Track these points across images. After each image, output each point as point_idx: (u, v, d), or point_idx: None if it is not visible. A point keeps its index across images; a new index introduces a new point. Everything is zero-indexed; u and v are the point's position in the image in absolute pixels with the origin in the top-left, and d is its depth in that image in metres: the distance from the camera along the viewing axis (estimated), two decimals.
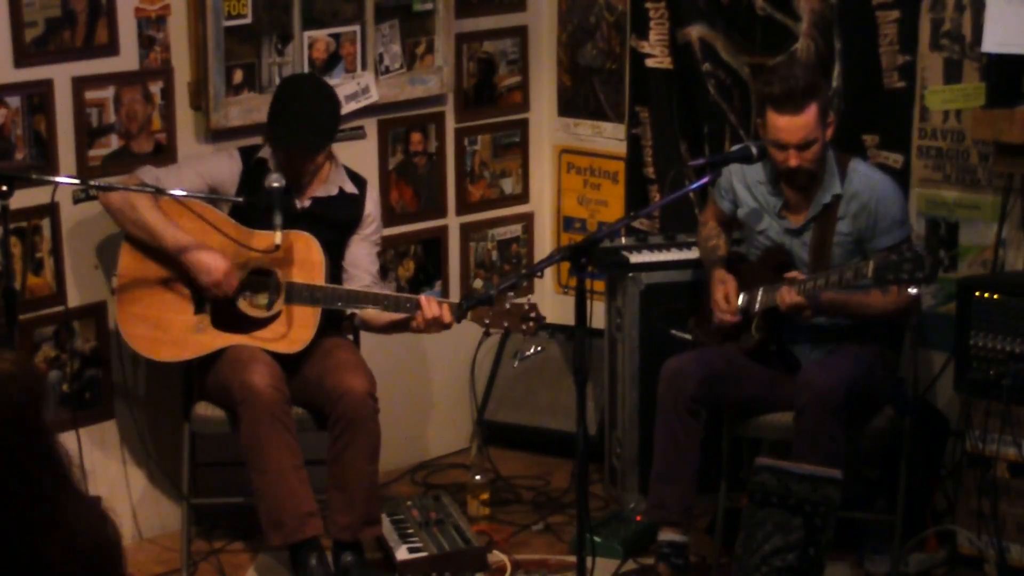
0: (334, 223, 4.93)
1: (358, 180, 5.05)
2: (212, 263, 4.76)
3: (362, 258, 4.98)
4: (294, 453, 4.68)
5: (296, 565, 4.71)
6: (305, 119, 4.86)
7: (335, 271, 4.93)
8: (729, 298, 4.86)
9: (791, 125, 4.64)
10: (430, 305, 4.73)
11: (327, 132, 4.90)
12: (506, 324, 4.67)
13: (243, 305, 4.82)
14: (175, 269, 4.83)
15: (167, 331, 4.84)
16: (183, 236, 4.81)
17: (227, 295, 4.79)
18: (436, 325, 4.75)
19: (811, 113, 4.63)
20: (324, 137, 4.89)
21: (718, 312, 4.87)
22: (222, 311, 4.83)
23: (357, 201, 5.00)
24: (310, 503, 4.70)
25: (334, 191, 4.97)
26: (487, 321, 4.67)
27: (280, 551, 4.86)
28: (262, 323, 4.82)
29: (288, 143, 4.85)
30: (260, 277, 4.83)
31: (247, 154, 4.97)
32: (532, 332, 4.73)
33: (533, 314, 4.67)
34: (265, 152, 4.94)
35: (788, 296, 4.57)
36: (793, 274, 4.61)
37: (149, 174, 4.86)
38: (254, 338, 4.79)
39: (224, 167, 4.94)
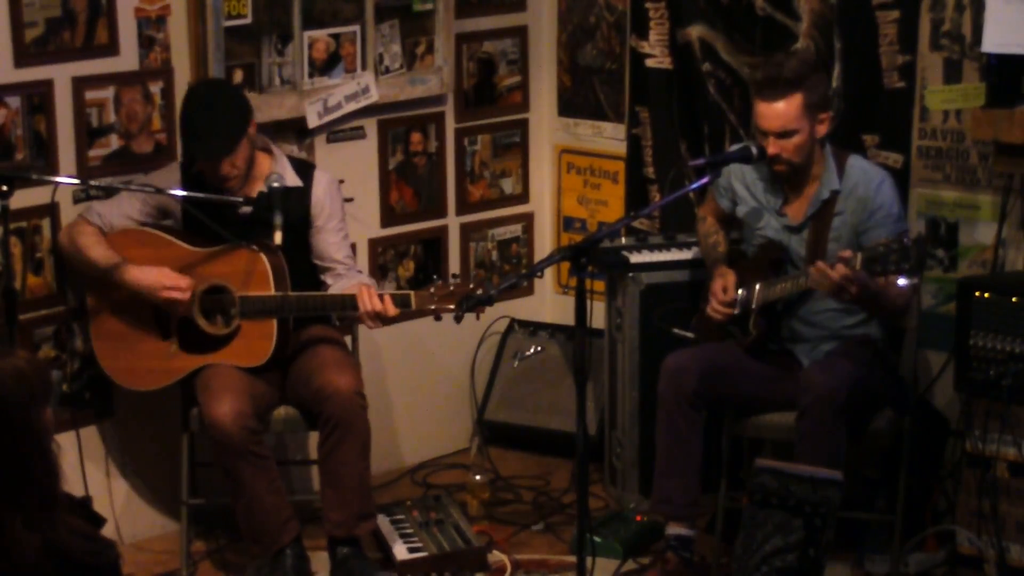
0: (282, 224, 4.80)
1: (304, 169, 4.97)
2: (158, 277, 4.76)
3: (326, 249, 4.92)
4: (266, 473, 4.70)
5: (273, 561, 4.75)
6: (205, 126, 4.74)
7: (306, 268, 4.90)
8: (727, 288, 4.85)
9: (769, 111, 4.65)
10: (371, 299, 4.63)
11: (235, 130, 4.75)
12: (451, 307, 4.56)
13: (204, 324, 4.81)
14: (139, 299, 4.82)
15: (141, 360, 4.88)
16: (119, 261, 4.79)
17: (186, 301, 4.76)
18: (378, 320, 4.65)
19: (792, 103, 4.63)
20: (233, 136, 4.74)
21: (713, 301, 4.87)
22: (189, 334, 4.82)
23: (302, 194, 4.91)
24: (286, 512, 4.75)
25: None
26: (433, 307, 4.60)
27: None
28: (225, 340, 4.81)
29: (193, 153, 4.78)
30: (215, 295, 4.82)
31: (188, 168, 4.90)
32: (482, 310, 4.51)
33: (479, 291, 4.54)
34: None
35: (835, 272, 4.43)
36: (847, 254, 4.50)
37: (92, 213, 4.87)
38: (221, 356, 4.79)
39: (163, 182, 4.87)
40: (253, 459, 4.67)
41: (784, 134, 4.67)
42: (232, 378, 4.73)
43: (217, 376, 4.73)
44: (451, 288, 4.60)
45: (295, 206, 4.88)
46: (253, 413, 4.69)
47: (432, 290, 4.62)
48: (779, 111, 4.65)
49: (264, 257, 4.75)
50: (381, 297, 4.63)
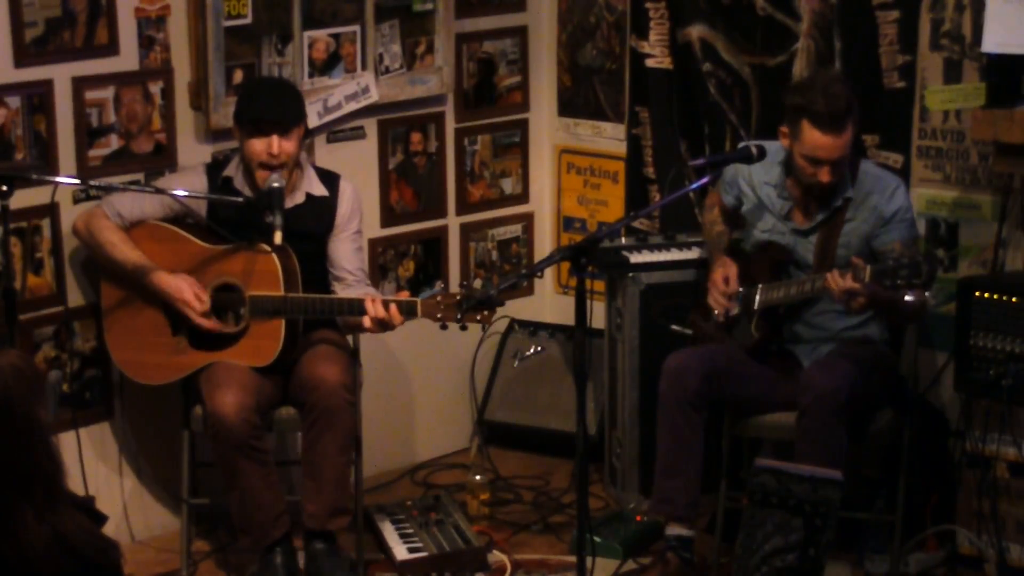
0: (306, 234, 4.84)
1: (329, 178, 4.98)
2: (177, 285, 4.77)
3: (341, 258, 4.92)
4: (264, 468, 4.70)
5: (262, 559, 4.75)
6: (275, 96, 4.82)
7: (320, 275, 4.91)
8: (729, 279, 4.84)
9: (833, 144, 4.59)
10: (375, 306, 4.64)
11: (298, 109, 4.82)
12: (459, 316, 4.56)
13: (214, 322, 4.82)
14: (151, 292, 4.83)
15: (150, 354, 4.87)
16: (146, 263, 4.80)
17: (205, 311, 4.77)
18: (384, 327, 4.66)
19: (850, 132, 4.60)
20: (296, 112, 4.81)
21: (714, 291, 4.85)
22: (198, 330, 4.82)
23: (328, 203, 4.93)
24: (279, 506, 4.75)
25: (301, 199, 4.89)
26: (439, 316, 4.59)
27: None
28: (234, 338, 4.81)
29: (258, 113, 4.76)
30: (226, 293, 4.82)
31: (214, 172, 4.92)
32: (489, 321, 4.59)
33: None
34: (231, 169, 4.89)
35: (845, 282, 4.44)
36: (857, 260, 4.50)
37: (110, 207, 4.86)
38: (229, 354, 4.79)
39: (186, 182, 4.87)
40: (252, 453, 4.66)
41: (840, 161, 4.64)
42: (237, 373, 4.73)
43: (222, 371, 4.73)
44: (457, 297, 4.58)
45: (322, 214, 4.90)
46: (256, 408, 4.69)
47: (439, 299, 4.61)
48: (842, 143, 4.59)
49: (276, 258, 4.75)
50: (387, 305, 4.63)
